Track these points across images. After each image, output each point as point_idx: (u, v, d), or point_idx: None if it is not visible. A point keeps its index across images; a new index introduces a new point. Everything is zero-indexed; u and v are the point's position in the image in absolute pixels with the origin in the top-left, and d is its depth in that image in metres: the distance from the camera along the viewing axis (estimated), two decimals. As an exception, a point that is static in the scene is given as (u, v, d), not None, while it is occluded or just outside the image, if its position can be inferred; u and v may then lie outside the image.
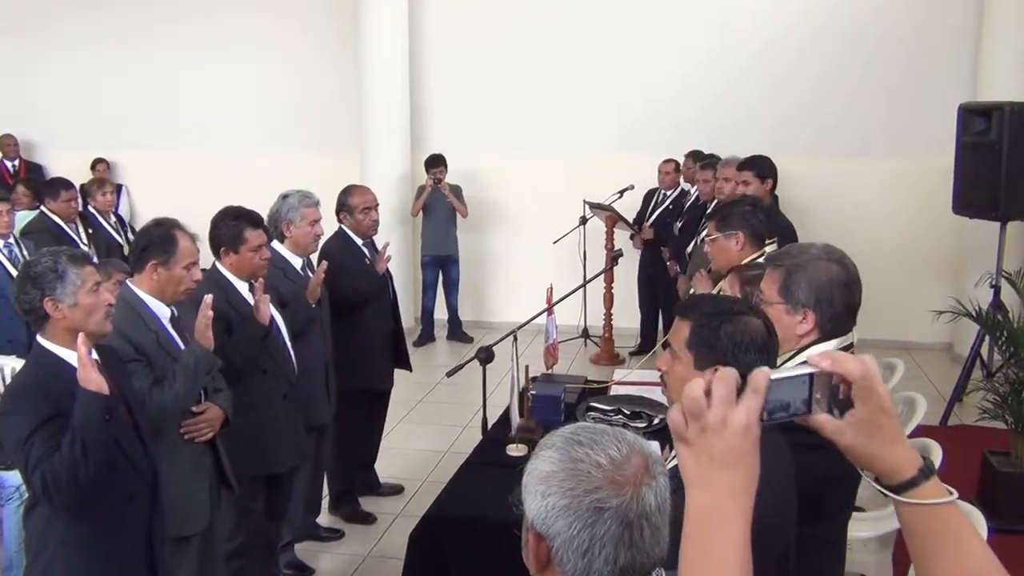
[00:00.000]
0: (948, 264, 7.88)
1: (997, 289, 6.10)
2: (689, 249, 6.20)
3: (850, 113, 8.00)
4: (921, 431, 3.91)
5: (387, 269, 4.80)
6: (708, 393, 1.06)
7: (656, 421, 3.65)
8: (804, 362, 1.12)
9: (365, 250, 4.75)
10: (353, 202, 4.69)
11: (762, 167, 5.11)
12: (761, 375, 1.06)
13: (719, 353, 1.87)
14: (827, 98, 8.01)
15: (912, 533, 1.12)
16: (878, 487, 1.12)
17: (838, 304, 2.25)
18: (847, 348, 2.30)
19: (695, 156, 7.44)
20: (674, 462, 1.94)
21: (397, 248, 7.74)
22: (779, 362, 2.30)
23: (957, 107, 6.43)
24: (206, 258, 3.47)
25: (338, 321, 4.45)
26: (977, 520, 2.82)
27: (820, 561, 2.21)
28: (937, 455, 3.45)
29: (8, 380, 3.76)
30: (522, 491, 1.34)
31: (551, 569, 1.31)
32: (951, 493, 1.11)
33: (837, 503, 2.26)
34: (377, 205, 4.78)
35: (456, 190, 8.33)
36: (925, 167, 7.75)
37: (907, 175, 8.01)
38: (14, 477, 3.81)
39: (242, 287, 3.69)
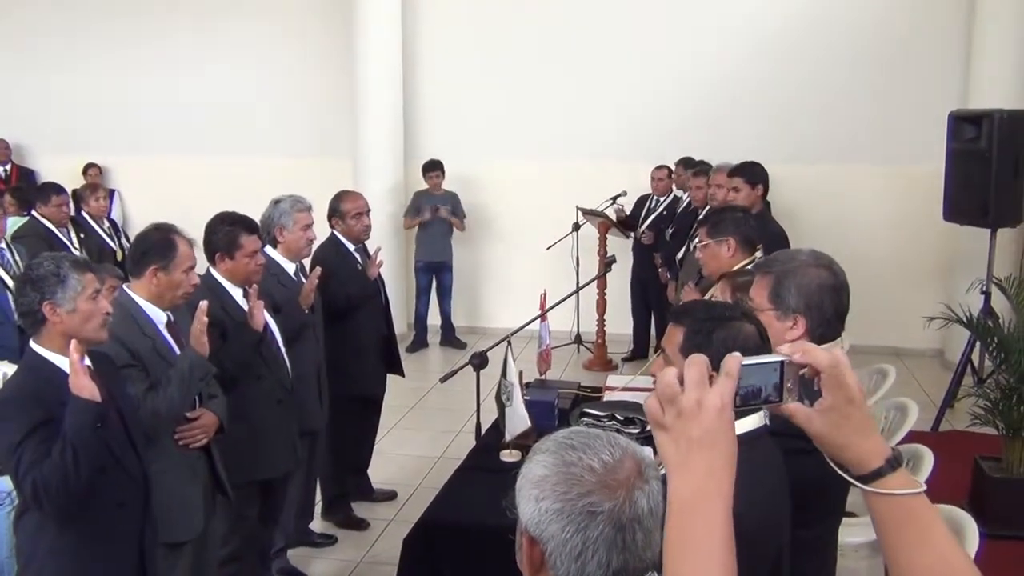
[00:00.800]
0: (939, 270, 7.91)
1: (988, 295, 6.14)
2: (680, 255, 6.22)
3: (842, 119, 8.04)
4: (912, 437, 3.93)
5: (379, 274, 4.81)
6: (682, 381, 1.09)
7: (649, 427, 3.65)
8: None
9: (357, 255, 4.76)
10: (345, 207, 4.70)
11: (752, 173, 5.13)
12: (733, 360, 1.09)
13: (712, 358, 1.89)
14: (819, 104, 8.04)
15: (881, 523, 1.15)
16: (846, 476, 1.14)
17: (828, 309, 2.27)
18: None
19: (686, 163, 7.46)
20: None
21: (391, 254, 7.74)
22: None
23: (947, 114, 6.48)
24: (202, 264, 3.48)
25: (330, 327, 4.45)
26: (968, 526, 2.83)
27: (810, 566, 2.22)
28: (928, 461, 3.47)
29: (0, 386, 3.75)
30: (516, 495, 1.35)
31: (544, 573, 1.32)
32: (920, 485, 1.13)
33: (827, 508, 2.28)
34: (369, 211, 4.79)
35: (453, 198, 8.36)
36: (916, 173, 7.80)
37: (898, 181, 8.05)
38: (5, 483, 3.80)
39: (236, 293, 3.69)
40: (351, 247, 4.73)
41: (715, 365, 1.86)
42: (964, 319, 5.24)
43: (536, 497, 1.30)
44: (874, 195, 8.12)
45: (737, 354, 1.10)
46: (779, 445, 1.96)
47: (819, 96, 8.04)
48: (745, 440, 1.86)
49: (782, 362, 1.12)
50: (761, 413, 1.93)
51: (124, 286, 3.21)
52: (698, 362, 1.09)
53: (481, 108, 8.74)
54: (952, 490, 4.24)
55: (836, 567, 2.46)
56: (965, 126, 6.26)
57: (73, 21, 9.43)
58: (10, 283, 4.87)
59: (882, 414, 4.26)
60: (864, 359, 6.04)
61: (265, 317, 3.65)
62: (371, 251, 4.81)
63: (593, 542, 1.27)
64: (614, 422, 3.71)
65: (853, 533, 3.36)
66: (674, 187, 7.71)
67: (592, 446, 1.33)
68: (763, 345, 1.93)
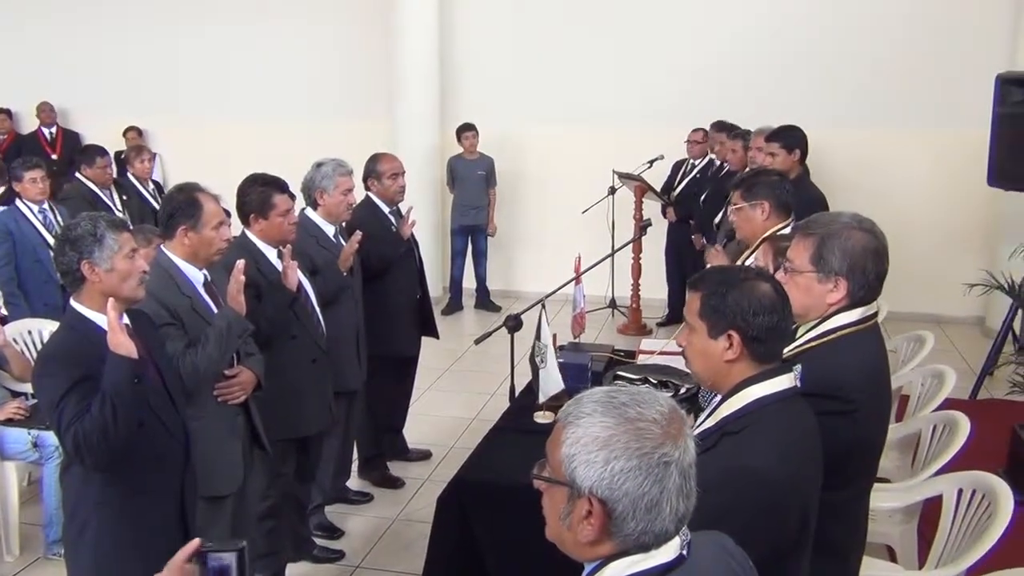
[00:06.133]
0: (981, 236, 7.77)
1: (1031, 262, 6.02)
2: (717, 220, 6.16)
3: (884, 82, 7.89)
4: (949, 404, 3.89)
5: (412, 236, 4.81)
6: None
7: (683, 390, 3.66)
8: None
9: (391, 217, 4.77)
10: (381, 168, 4.72)
11: (789, 137, 5.05)
12: None
13: (729, 318, 1.91)
14: (860, 67, 7.90)
15: None
16: None
17: (870, 272, 2.28)
18: (872, 317, 2.31)
19: (719, 126, 7.37)
20: (700, 428, 1.96)
21: (427, 217, 7.76)
22: (803, 330, 2.31)
23: (994, 77, 6.32)
24: (236, 227, 3.50)
25: (365, 287, 4.48)
26: (1004, 493, 2.81)
27: (840, 528, 2.22)
28: (964, 428, 3.44)
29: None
30: (567, 463, 1.32)
31: (606, 536, 1.32)
32: None
33: (859, 471, 2.27)
34: (404, 172, 4.80)
35: (488, 162, 8.35)
36: (960, 138, 7.64)
37: (941, 146, 7.89)
38: (52, 437, 3.90)
39: (271, 253, 3.72)
40: (386, 209, 4.75)
41: (733, 326, 1.88)
42: (1006, 286, 5.15)
43: (605, 459, 1.29)
44: (917, 159, 7.98)
45: None
46: (812, 406, 1.96)
47: (862, 60, 7.88)
48: (777, 399, 1.88)
49: None
50: (792, 374, 1.93)
51: (162, 246, 3.24)
52: None
53: (517, 71, 8.68)
54: (989, 458, 4.19)
55: (867, 531, 2.45)
56: (1012, 89, 6.09)
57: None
58: (52, 243, 4.94)
59: (919, 381, 4.22)
60: (903, 326, 5.97)
61: (299, 277, 3.69)
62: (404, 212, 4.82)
63: (668, 491, 1.30)
64: (647, 385, 3.71)
65: (886, 499, 3.35)
66: (709, 150, 7.64)
67: (644, 400, 1.34)
68: (779, 300, 1.94)
